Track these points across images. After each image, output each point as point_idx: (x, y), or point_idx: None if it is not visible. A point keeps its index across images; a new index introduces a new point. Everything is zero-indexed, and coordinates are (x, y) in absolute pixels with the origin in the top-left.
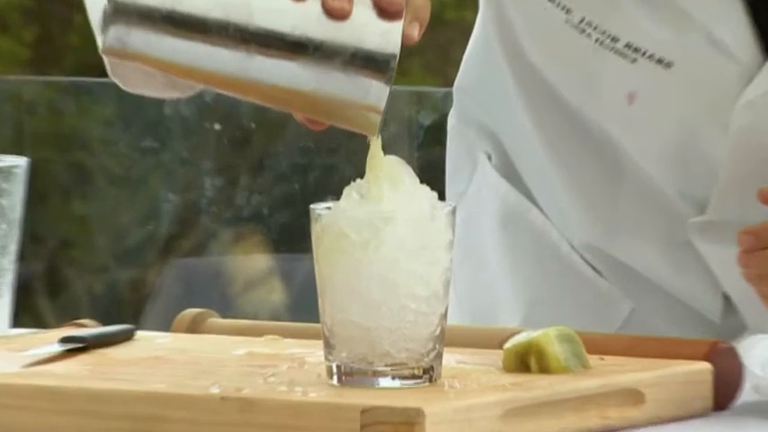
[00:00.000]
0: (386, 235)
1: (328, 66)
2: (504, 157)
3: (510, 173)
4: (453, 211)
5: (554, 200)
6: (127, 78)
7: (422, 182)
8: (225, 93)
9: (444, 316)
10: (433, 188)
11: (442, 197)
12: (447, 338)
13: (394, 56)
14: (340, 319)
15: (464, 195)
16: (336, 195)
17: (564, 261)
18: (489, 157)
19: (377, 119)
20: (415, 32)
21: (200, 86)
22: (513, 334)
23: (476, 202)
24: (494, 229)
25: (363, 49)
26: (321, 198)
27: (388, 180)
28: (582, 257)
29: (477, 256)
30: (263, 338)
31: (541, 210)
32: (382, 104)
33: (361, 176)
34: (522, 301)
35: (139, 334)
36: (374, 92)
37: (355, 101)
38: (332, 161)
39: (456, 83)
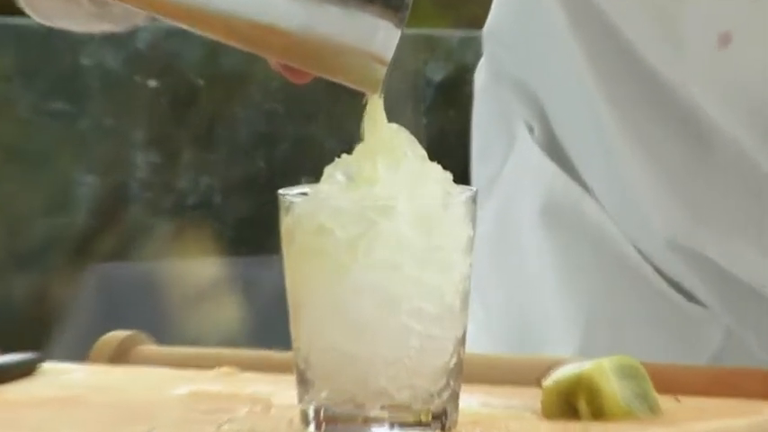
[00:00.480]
0: (382, 231)
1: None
2: (550, 127)
3: (557, 150)
4: (473, 198)
5: (619, 184)
6: (41, 5)
7: (431, 158)
8: (178, 25)
9: (462, 341)
10: (445, 167)
11: (460, 179)
12: (466, 372)
13: None
14: (319, 346)
15: (497, 179)
16: (314, 176)
17: (629, 267)
18: (531, 129)
19: (381, 72)
20: None
21: (141, 16)
22: (555, 365)
23: (513, 188)
24: (536, 226)
25: None
26: (294, 180)
27: (386, 156)
28: (651, 263)
29: (514, 261)
30: (213, 372)
31: (598, 200)
32: (390, 53)
33: (349, 151)
34: (576, 321)
35: (46, 366)
36: (381, 35)
37: (355, 46)
38: (308, 130)
39: (486, 27)
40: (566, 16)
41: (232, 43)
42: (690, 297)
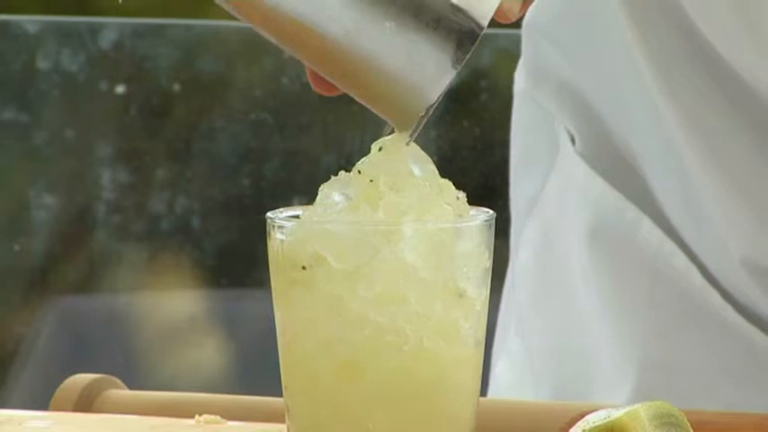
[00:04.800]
0: (384, 260)
1: (380, 11)
2: (598, 136)
3: (608, 162)
4: (490, 223)
5: (686, 195)
6: None
7: (442, 175)
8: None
9: (476, 386)
10: (458, 185)
11: (475, 200)
12: (481, 420)
13: (481, 26)
14: (312, 391)
15: (539, 198)
16: (308, 197)
17: (694, 298)
18: (572, 139)
19: (418, 110)
20: (517, 7)
21: None
22: (584, 414)
23: (556, 208)
24: (583, 251)
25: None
26: (284, 201)
27: (390, 173)
28: (721, 289)
29: (559, 292)
30: (193, 420)
31: (662, 218)
32: (435, 93)
33: (347, 167)
34: (629, 362)
35: (2, 414)
36: (432, 70)
37: (397, 72)
38: (300, 144)
39: (526, 19)
40: (620, 3)
41: (264, 33)
42: (767, 329)
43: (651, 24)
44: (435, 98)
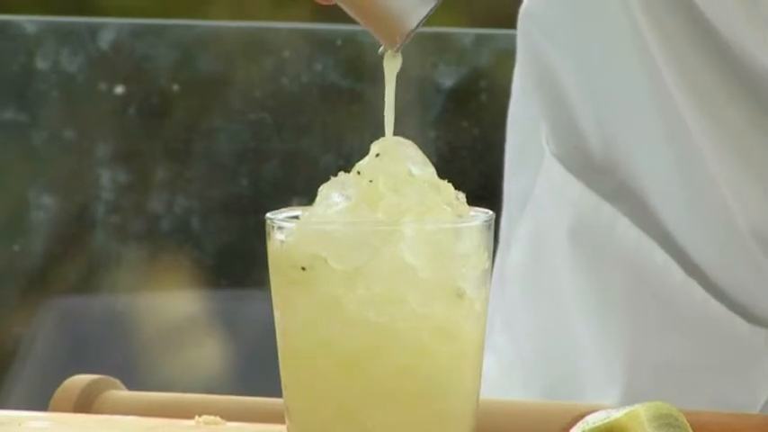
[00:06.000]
0: (383, 261)
1: None
2: (573, 136)
3: (582, 163)
4: (489, 224)
5: (686, 176)
6: None
7: (441, 175)
8: None
9: (476, 386)
10: (458, 185)
11: (474, 200)
12: (480, 420)
13: None
14: (310, 390)
15: (531, 195)
16: (307, 197)
17: (677, 295)
18: (547, 141)
19: (400, 31)
20: None
21: None
22: (584, 414)
23: (544, 208)
24: (565, 253)
25: None
26: (283, 202)
27: (389, 174)
28: (704, 285)
29: (548, 294)
30: (193, 421)
31: (644, 212)
32: (416, 20)
33: (346, 168)
34: (617, 362)
35: (1, 415)
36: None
37: None
38: (300, 144)
39: (522, 8)
40: None
41: None
42: (751, 318)
43: (660, 12)
44: (416, 24)
